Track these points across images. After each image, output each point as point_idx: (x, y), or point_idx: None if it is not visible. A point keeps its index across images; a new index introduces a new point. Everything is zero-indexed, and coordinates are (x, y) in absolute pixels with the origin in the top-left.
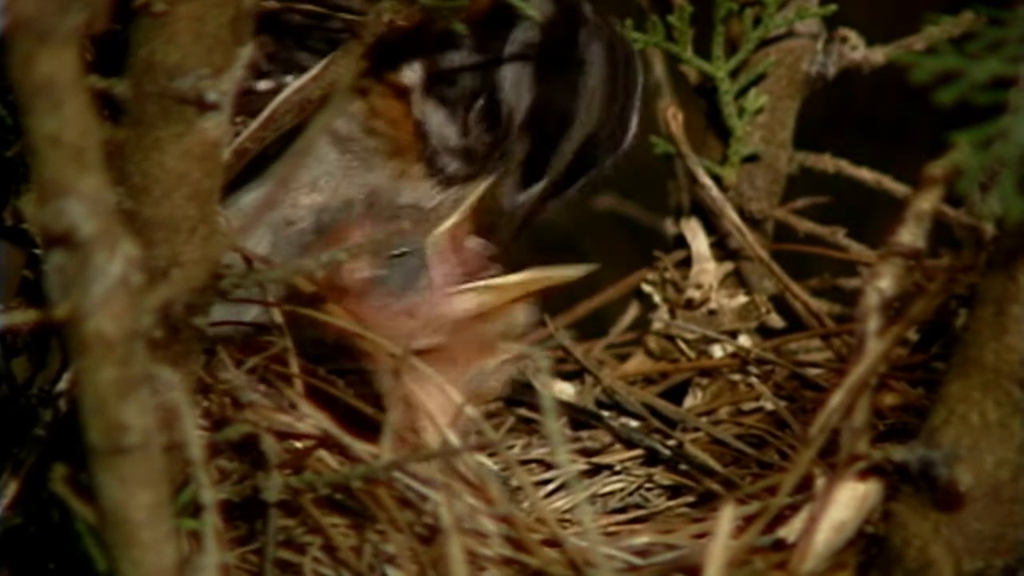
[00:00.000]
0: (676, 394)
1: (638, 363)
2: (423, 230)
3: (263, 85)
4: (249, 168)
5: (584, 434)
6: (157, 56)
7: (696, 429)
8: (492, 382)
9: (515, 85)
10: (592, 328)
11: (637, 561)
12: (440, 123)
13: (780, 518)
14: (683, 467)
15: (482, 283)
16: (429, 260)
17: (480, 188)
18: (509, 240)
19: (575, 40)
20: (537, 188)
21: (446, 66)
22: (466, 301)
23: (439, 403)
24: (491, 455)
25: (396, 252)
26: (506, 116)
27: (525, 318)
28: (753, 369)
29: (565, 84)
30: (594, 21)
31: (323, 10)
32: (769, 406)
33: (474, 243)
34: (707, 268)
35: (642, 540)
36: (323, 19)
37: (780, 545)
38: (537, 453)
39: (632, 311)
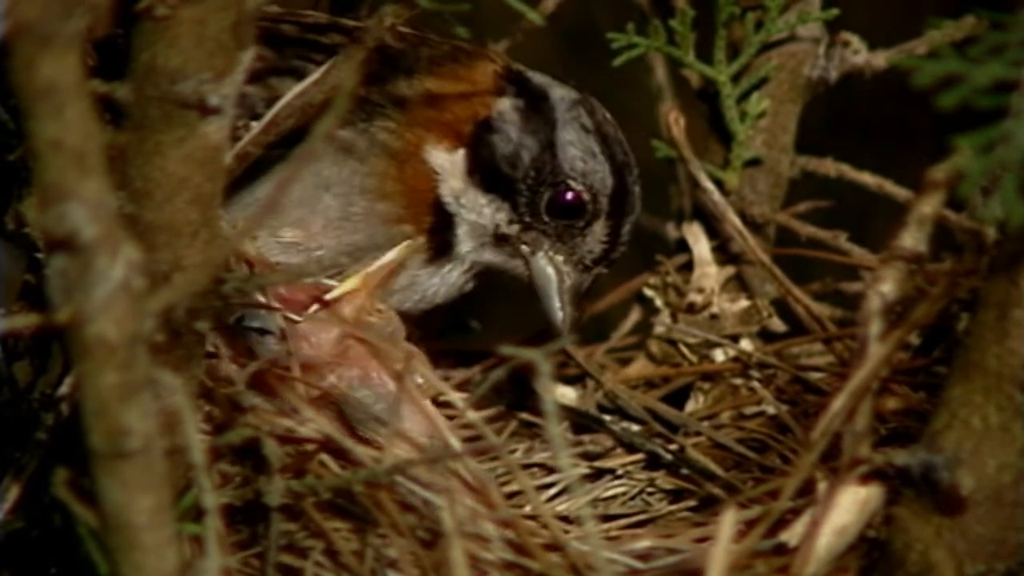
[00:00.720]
0: (678, 398)
1: (640, 367)
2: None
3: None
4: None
5: (586, 438)
6: (159, 60)
7: (698, 433)
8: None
9: (586, 170)
10: (594, 332)
11: (639, 565)
12: (487, 209)
13: (782, 522)
14: (685, 471)
15: (329, 295)
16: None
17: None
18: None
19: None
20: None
21: (491, 152)
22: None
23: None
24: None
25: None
26: (589, 202)
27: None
28: (755, 373)
29: (616, 162)
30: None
31: (325, 17)
32: (771, 410)
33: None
34: (709, 272)
35: (644, 544)
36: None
37: (782, 549)
38: (539, 457)
39: (634, 315)
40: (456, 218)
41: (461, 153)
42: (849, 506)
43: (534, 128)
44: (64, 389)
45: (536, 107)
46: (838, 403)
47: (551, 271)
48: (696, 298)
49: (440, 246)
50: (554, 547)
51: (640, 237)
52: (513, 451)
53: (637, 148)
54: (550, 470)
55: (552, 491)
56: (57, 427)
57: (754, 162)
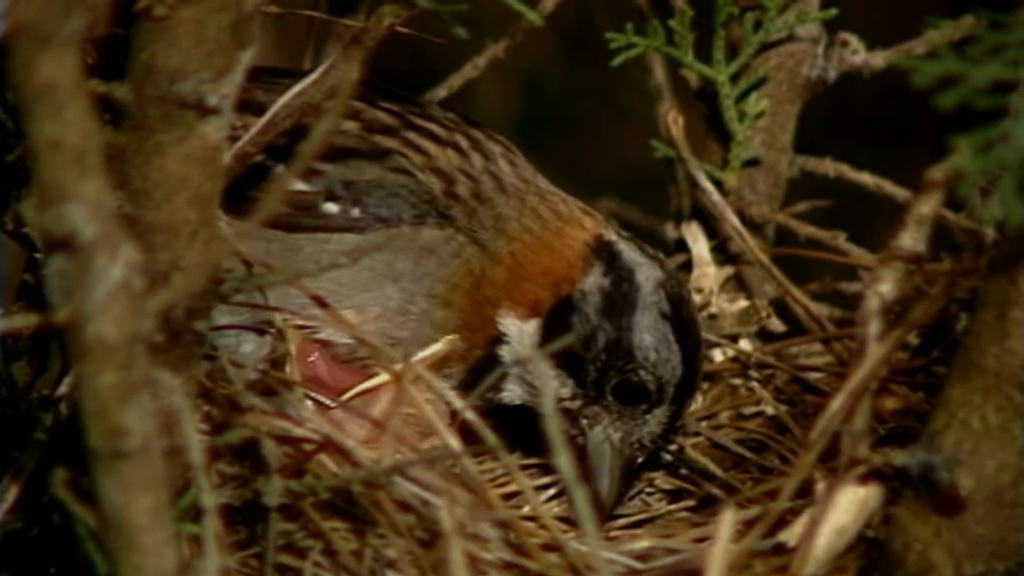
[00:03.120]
0: None
1: None
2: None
3: None
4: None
5: None
6: (158, 60)
7: (697, 433)
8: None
9: (658, 360)
10: None
11: (638, 565)
12: (552, 382)
13: (781, 522)
14: (684, 471)
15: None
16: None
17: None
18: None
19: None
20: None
21: (568, 331)
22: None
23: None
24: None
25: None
26: (655, 391)
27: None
28: (754, 373)
29: (688, 349)
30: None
31: (324, 16)
32: (770, 410)
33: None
34: (708, 272)
35: (643, 544)
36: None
37: (781, 549)
38: (538, 458)
39: None
40: (510, 376)
41: (534, 324)
42: (848, 506)
43: (614, 310)
44: (63, 389)
45: (620, 287)
46: (837, 403)
47: (607, 448)
48: (695, 298)
49: (474, 382)
50: (553, 547)
51: (639, 237)
52: (512, 451)
53: (636, 148)
54: (549, 470)
55: (551, 491)
56: (56, 427)
57: (753, 162)
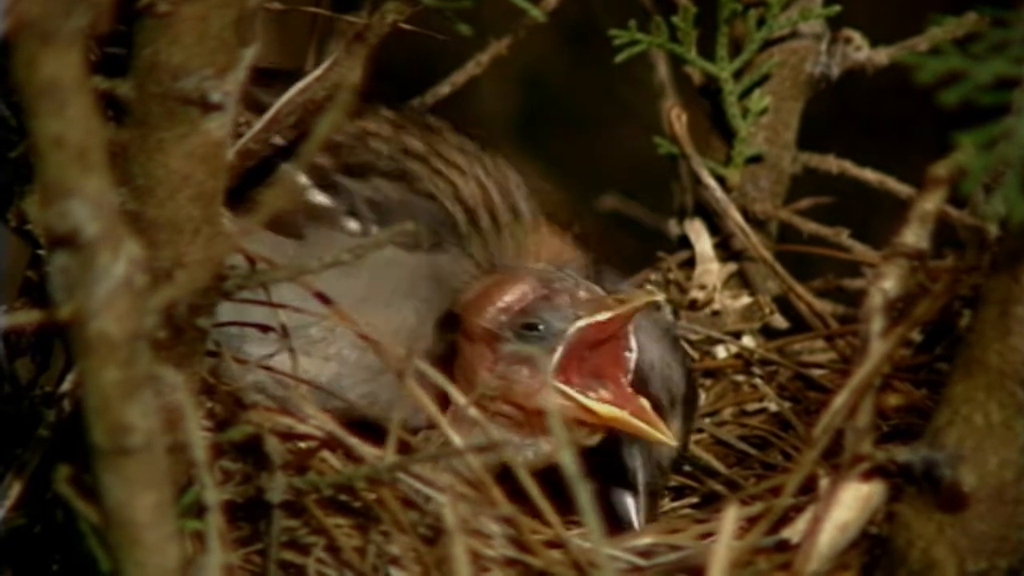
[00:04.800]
0: None
1: None
2: (574, 315)
3: None
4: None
5: None
6: (161, 57)
7: (700, 430)
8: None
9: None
10: None
11: (641, 562)
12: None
13: (784, 519)
14: (687, 468)
15: (580, 399)
16: (561, 350)
17: (643, 297)
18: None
19: None
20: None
21: None
22: (554, 402)
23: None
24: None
25: (534, 329)
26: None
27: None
28: (757, 370)
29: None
30: None
31: (326, 12)
32: (773, 407)
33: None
34: (711, 269)
35: (646, 541)
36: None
37: (784, 546)
38: None
39: None
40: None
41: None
42: (851, 503)
43: None
44: (66, 386)
45: None
46: (840, 400)
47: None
48: (698, 295)
49: None
50: (555, 544)
51: (642, 234)
52: None
53: (639, 144)
54: None
55: None
56: (59, 424)
57: (756, 159)
